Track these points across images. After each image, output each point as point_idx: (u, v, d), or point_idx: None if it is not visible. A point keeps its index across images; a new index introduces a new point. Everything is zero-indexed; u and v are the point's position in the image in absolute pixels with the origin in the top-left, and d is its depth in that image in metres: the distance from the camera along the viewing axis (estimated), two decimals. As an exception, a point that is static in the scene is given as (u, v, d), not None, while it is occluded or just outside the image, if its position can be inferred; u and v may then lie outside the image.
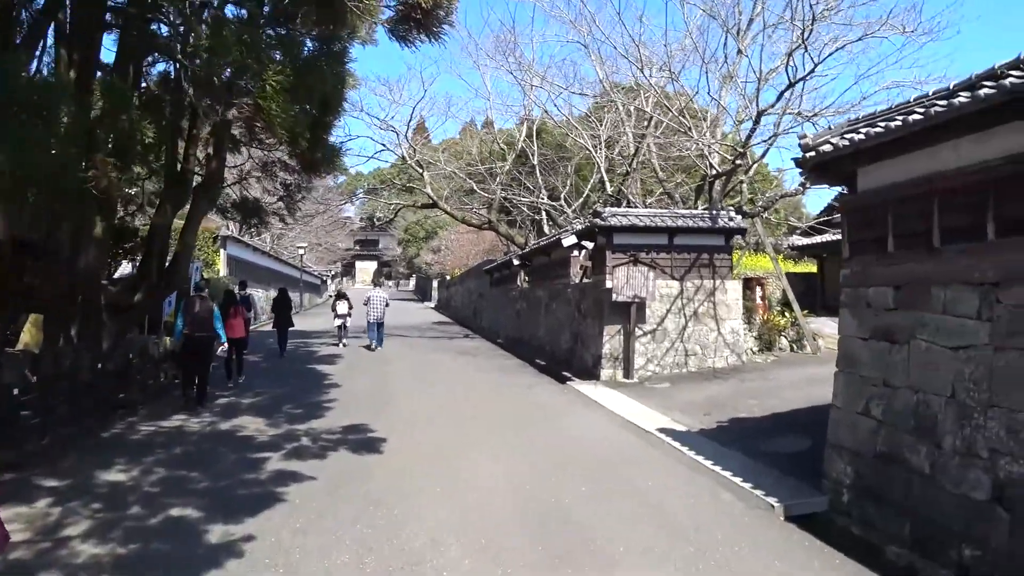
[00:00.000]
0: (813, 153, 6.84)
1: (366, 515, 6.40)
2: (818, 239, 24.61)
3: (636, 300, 14.50)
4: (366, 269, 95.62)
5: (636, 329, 14.81)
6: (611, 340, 14.97)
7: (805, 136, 7.00)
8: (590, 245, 16.70)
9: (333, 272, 76.78)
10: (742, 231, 16.50)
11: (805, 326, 17.46)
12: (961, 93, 5.40)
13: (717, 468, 7.95)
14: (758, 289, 18.30)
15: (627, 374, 14.68)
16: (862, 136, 6.30)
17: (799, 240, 27.60)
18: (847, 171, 7.00)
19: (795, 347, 17.16)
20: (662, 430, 9.90)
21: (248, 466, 7.98)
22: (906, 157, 6.14)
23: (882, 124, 6.14)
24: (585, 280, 17.29)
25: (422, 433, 9.82)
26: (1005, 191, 5.25)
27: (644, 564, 5.52)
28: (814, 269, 28.90)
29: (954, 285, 5.67)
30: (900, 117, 5.92)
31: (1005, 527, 4.98)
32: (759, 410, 10.93)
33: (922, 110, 5.69)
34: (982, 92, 5.06)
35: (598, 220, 15.20)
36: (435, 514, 6.49)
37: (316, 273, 62.53)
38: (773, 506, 6.75)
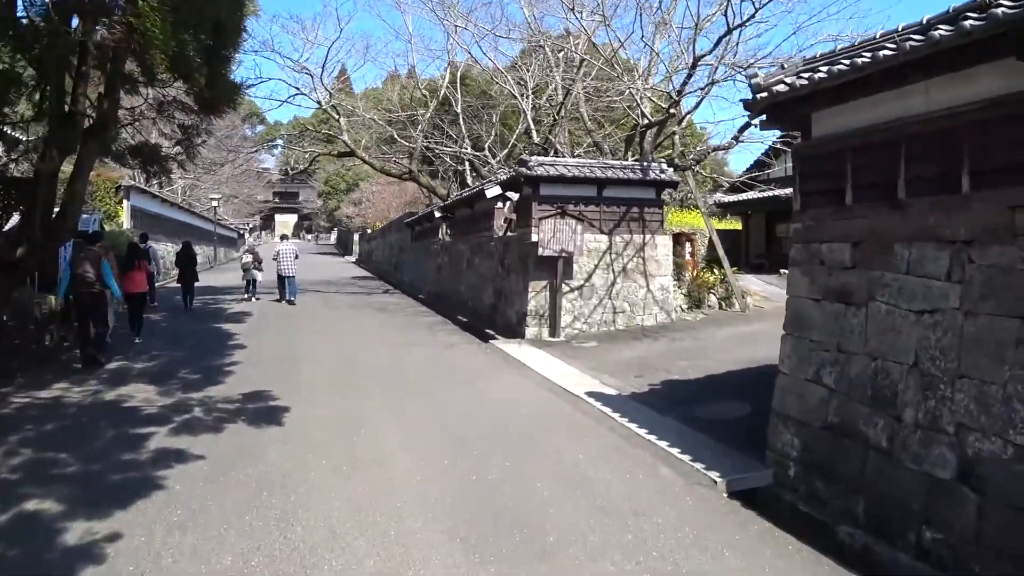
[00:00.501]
0: (765, 94, 6.15)
1: (258, 503, 5.53)
2: (744, 196, 24.52)
3: (563, 255, 13.82)
4: (286, 222, 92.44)
5: (563, 285, 14.18)
6: (536, 296, 14.28)
7: (756, 75, 6.29)
8: (515, 196, 15.81)
9: (252, 225, 73.40)
10: (674, 184, 15.93)
11: (734, 283, 17.19)
12: (940, 26, 4.74)
13: (652, 438, 7.38)
14: (688, 245, 17.94)
15: (553, 332, 14.06)
16: (822, 75, 5.63)
17: (724, 197, 27.53)
18: (802, 114, 6.35)
19: (724, 305, 16.89)
20: (592, 394, 9.29)
21: (128, 444, 6.95)
22: (872, 99, 5.50)
23: (845, 62, 5.46)
24: (510, 233, 16.47)
25: (329, 401, 8.92)
26: (984, 138, 4.67)
27: (581, 556, 4.86)
28: (739, 226, 28.95)
29: (920, 243, 5.10)
30: (868, 53, 5.26)
31: (973, 509, 4.51)
32: (692, 371, 10.45)
33: (893, 46, 5.03)
34: (967, 24, 4.41)
35: (524, 170, 14.34)
36: (338, 499, 5.67)
37: (232, 226, 59.67)
38: (715, 481, 6.21)
